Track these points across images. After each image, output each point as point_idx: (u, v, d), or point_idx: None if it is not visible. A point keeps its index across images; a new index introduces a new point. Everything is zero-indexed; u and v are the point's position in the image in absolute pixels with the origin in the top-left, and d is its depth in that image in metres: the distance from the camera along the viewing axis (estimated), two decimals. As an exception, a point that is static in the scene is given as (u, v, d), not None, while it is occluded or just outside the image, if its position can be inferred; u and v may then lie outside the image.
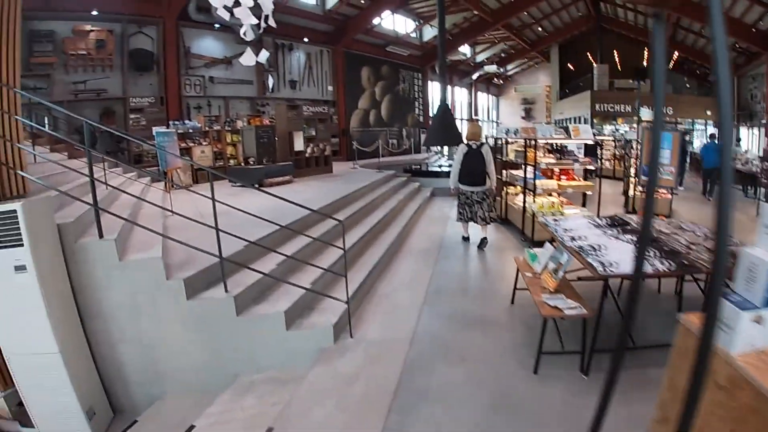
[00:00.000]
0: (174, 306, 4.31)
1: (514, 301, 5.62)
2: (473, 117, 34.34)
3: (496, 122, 38.15)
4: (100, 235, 4.34)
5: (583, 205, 9.74)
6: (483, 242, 8.22)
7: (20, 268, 3.89)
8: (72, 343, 4.27)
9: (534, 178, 8.45)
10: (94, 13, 13.32)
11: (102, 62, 13.62)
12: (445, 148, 23.22)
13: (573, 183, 9.52)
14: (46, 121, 12.46)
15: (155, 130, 11.17)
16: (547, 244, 5.18)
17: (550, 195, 8.91)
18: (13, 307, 4.00)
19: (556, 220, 5.83)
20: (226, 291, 4.39)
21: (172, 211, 5.21)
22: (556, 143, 9.65)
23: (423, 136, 25.83)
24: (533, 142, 8.50)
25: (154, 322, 4.41)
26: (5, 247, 3.87)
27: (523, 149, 8.98)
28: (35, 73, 12.54)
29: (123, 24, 14.00)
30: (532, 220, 8.16)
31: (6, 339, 4.12)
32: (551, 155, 9.57)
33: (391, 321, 5.20)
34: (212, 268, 4.54)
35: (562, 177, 9.79)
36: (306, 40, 19.51)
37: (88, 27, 13.43)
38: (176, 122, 13.36)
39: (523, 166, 8.91)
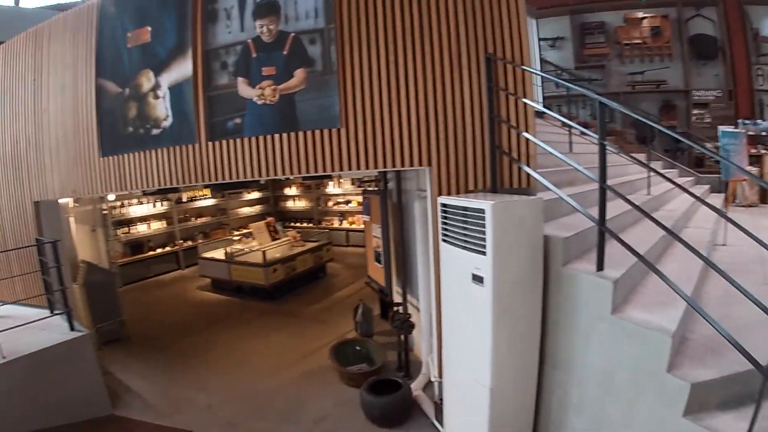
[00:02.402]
0: (659, 413, 2.50)
1: None
2: None
3: None
4: (599, 267, 2.95)
5: None
6: None
7: (477, 279, 3.12)
8: (514, 385, 3.27)
9: None
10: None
11: (659, 51, 12.40)
12: None
13: None
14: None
15: (720, 129, 9.16)
16: None
17: None
18: (463, 312, 3.38)
19: None
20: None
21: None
22: None
23: None
24: None
25: (627, 417, 2.75)
26: (468, 249, 3.18)
27: None
28: (589, 64, 12.54)
29: (678, 8, 12.28)
30: None
31: (448, 336, 3.71)
32: None
33: None
34: (748, 377, 2.38)
35: None
36: None
37: (640, 14, 12.45)
38: (746, 121, 10.63)
39: None
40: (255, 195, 14.64)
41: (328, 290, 9.37)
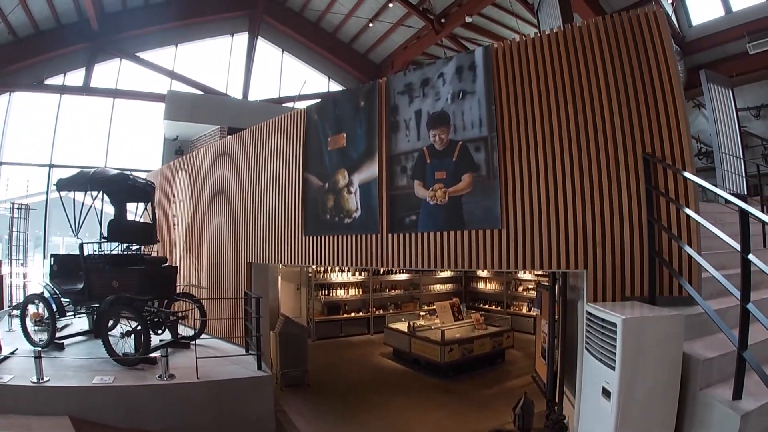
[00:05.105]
0: None
1: None
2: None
3: None
4: (735, 395, 2.70)
5: None
6: None
7: (605, 393, 3.09)
8: None
9: None
10: None
11: None
12: None
13: None
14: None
15: None
16: None
17: None
18: (593, 426, 3.27)
19: None
20: None
21: None
22: None
23: None
24: None
25: None
26: (601, 361, 3.18)
27: None
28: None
29: None
30: None
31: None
32: None
33: None
34: None
35: None
36: None
37: None
38: None
39: None
40: (447, 274, 15.21)
41: (501, 377, 9.28)
